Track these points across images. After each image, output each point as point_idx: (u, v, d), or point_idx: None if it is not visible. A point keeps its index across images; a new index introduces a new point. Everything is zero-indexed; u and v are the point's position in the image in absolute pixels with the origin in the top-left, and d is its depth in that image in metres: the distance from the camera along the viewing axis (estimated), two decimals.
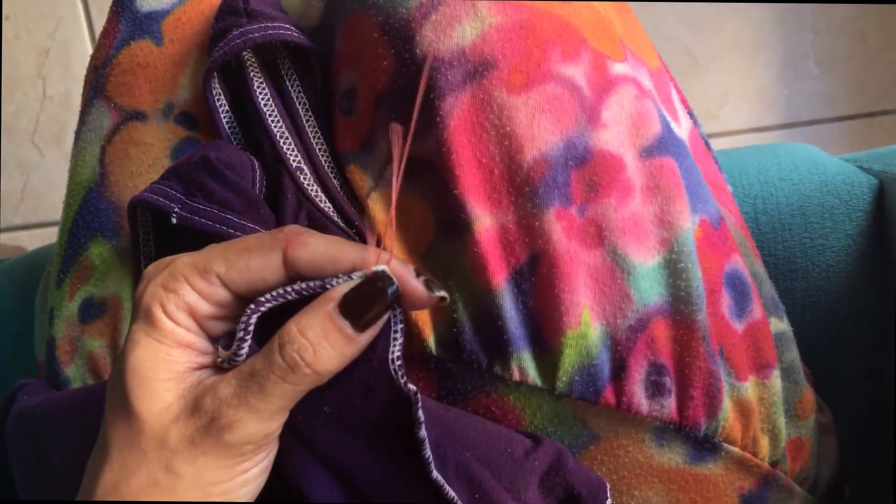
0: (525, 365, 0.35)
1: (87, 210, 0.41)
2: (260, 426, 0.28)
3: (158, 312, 0.29)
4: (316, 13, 0.41)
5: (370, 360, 0.30)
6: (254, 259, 0.29)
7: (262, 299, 0.29)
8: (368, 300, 0.29)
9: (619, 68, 0.37)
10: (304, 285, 0.30)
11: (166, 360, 0.29)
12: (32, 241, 1.11)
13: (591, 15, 0.38)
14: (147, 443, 0.28)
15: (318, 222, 0.38)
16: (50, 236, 1.10)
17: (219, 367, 0.30)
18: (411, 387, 0.30)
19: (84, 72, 0.45)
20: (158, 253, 0.39)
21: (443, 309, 0.36)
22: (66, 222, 0.42)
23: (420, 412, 0.30)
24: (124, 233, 0.40)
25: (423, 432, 0.30)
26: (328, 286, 0.29)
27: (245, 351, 0.29)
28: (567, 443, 0.36)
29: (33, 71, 1.09)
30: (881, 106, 1.05)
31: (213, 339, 0.30)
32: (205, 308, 0.29)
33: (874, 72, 1.05)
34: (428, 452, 0.30)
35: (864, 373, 0.47)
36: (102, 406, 0.30)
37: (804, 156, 0.50)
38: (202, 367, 0.30)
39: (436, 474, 0.31)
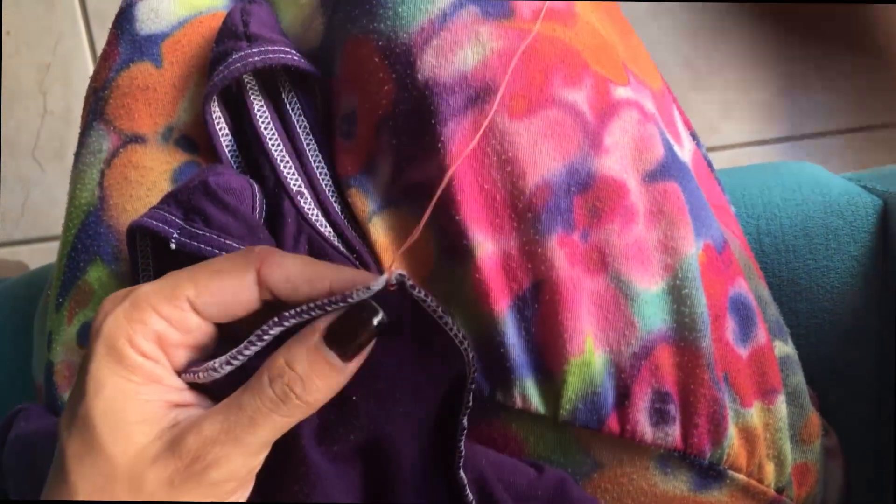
0: (528, 392, 0.35)
1: (86, 234, 0.41)
2: (245, 461, 0.28)
3: (125, 347, 0.27)
4: (316, 35, 0.41)
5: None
6: (226, 280, 0.29)
7: (287, 314, 0.29)
8: (353, 330, 0.28)
9: (621, 92, 0.37)
10: (326, 301, 0.29)
11: (137, 400, 0.27)
12: (33, 255, 1.11)
13: (593, 39, 0.37)
14: (122, 488, 0.27)
15: (318, 246, 0.38)
16: (50, 251, 1.10)
17: (186, 404, 0.29)
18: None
19: (85, 87, 0.44)
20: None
21: None
22: (65, 245, 0.42)
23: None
24: (123, 257, 0.40)
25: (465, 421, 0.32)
26: (350, 299, 0.28)
27: (250, 352, 0.28)
28: (570, 471, 0.36)
29: (34, 86, 1.09)
30: (883, 119, 1.05)
31: (178, 371, 0.29)
32: (174, 336, 0.28)
33: (876, 84, 1.04)
34: (462, 448, 0.32)
35: (869, 396, 0.46)
36: None
37: (807, 175, 0.49)
38: (173, 405, 0.28)
39: (461, 473, 0.32)
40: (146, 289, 0.28)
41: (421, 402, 0.33)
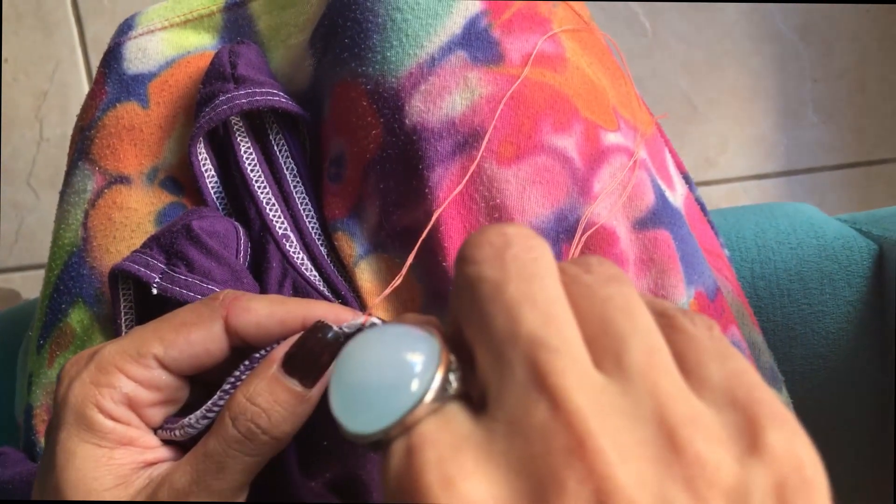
0: None
1: (68, 275, 0.40)
2: None
3: (94, 413, 0.26)
4: (305, 77, 0.41)
5: None
6: (193, 333, 0.28)
7: (257, 356, 0.28)
8: (312, 354, 0.27)
9: (611, 138, 0.36)
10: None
11: (109, 466, 0.26)
12: (26, 283, 1.10)
13: (583, 84, 0.37)
14: None
15: (303, 291, 0.37)
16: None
17: (162, 460, 0.28)
18: None
19: None
20: (140, 323, 0.38)
21: None
22: (47, 286, 0.41)
23: None
24: (106, 300, 0.39)
25: None
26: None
27: (224, 402, 0.28)
28: None
29: (31, 113, 1.09)
30: (880, 154, 1.05)
31: (154, 429, 0.29)
32: (144, 396, 0.27)
33: (873, 120, 1.05)
34: None
35: (864, 442, 0.46)
36: None
37: (802, 218, 0.49)
38: (147, 464, 0.28)
39: None
40: (111, 349, 0.27)
41: None
